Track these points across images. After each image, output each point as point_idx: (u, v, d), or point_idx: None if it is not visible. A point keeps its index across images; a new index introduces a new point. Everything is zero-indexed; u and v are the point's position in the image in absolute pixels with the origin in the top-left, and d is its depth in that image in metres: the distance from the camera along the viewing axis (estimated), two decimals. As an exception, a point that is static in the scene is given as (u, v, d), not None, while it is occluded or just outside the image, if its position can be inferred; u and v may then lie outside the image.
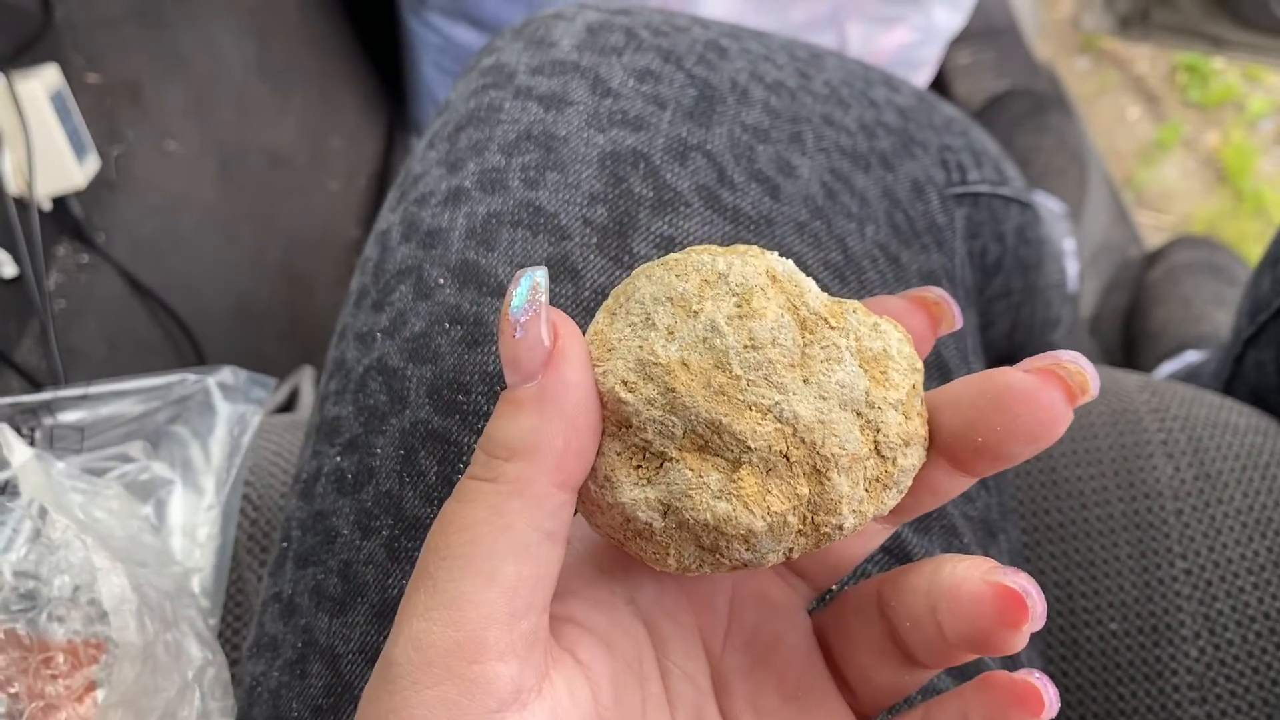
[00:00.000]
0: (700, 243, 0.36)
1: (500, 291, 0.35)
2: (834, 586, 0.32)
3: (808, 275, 0.25)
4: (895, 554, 0.35)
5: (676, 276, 0.23)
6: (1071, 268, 0.80)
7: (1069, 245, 0.83)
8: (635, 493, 0.23)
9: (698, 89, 0.39)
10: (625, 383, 0.23)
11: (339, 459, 0.36)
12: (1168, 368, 0.82)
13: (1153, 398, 0.48)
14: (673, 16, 0.43)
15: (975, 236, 0.47)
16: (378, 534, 0.34)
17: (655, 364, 0.22)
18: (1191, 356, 0.81)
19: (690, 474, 0.22)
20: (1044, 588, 0.46)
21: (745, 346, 0.22)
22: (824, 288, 0.36)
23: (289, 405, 0.83)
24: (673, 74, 0.39)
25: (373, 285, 0.38)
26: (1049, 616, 0.46)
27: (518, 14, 0.93)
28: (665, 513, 0.23)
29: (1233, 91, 1.43)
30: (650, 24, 0.41)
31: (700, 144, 0.37)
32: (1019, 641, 0.22)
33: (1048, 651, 0.45)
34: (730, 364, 0.22)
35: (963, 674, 0.34)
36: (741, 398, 0.22)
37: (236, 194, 0.86)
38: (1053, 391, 0.22)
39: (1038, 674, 0.22)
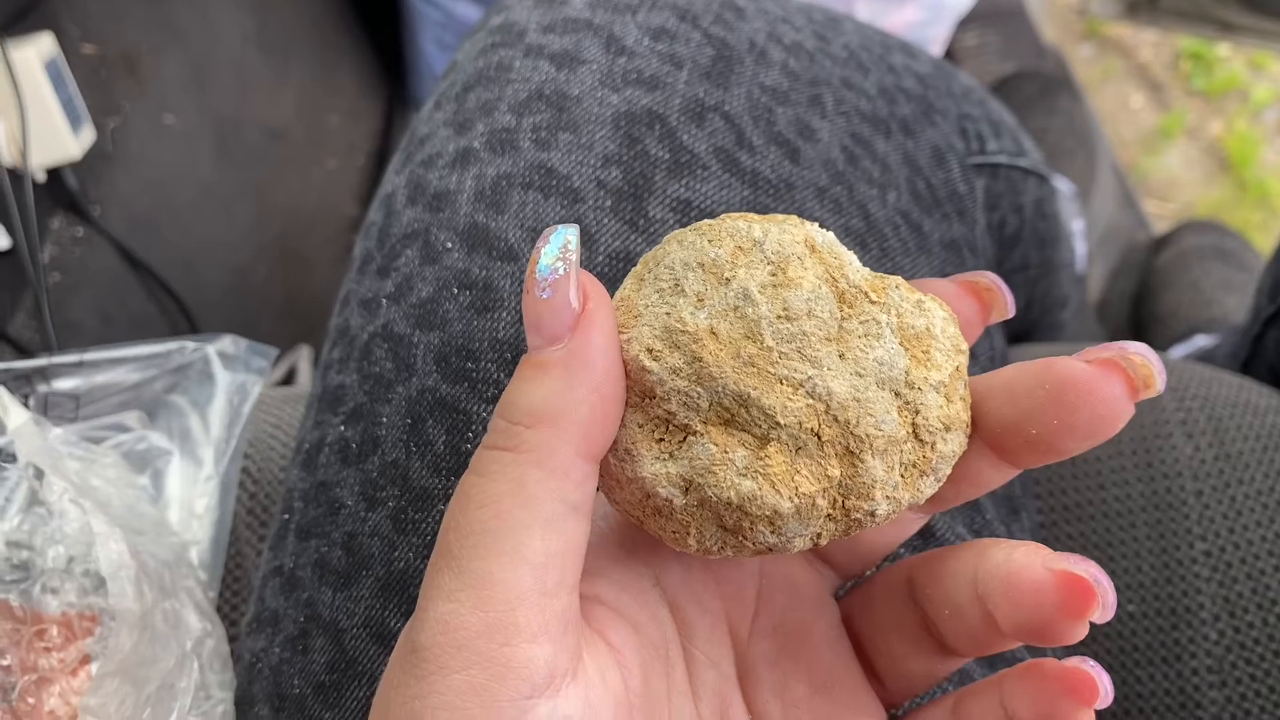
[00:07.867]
0: (719, 206, 0.35)
1: (511, 255, 0.33)
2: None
3: None
4: (919, 531, 0.34)
5: (709, 242, 0.22)
6: (1080, 248, 0.79)
7: (1078, 226, 0.82)
8: (656, 467, 0.22)
9: (715, 49, 0.38)
10: (650, 350, 0.22)
11: (343, 428, 0.35)
12: (1178, 351, 0.81)
13: (1171, 377, 0.47)
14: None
15: (994, 208, 0.46)
16: (384, 505, 0.33)
17: (682, 331, 0.21)
18: (1201, 340, 0.81)
19: (714, 449, 0.21)
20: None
21: (779, 317, 0.21)
22: None
23: (286, 384, 0.82)
24: (689, 33, 0.38)
25: (377, 250, 0.37)
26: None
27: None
28: (686, 489, 0.22)
29: (1237, 80, 1.43)
30: None
31: (718, 105, 0.36)
32: (1081, 632, 0.21)
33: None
34: (762, 334, 0.21)
35: (990, 659, 0.33)
36: (772, 370, 0.21)
37: (233, 169, 0.85)
38: (1114, 385, 0.21)
39: (1091, 662, 0.21)
